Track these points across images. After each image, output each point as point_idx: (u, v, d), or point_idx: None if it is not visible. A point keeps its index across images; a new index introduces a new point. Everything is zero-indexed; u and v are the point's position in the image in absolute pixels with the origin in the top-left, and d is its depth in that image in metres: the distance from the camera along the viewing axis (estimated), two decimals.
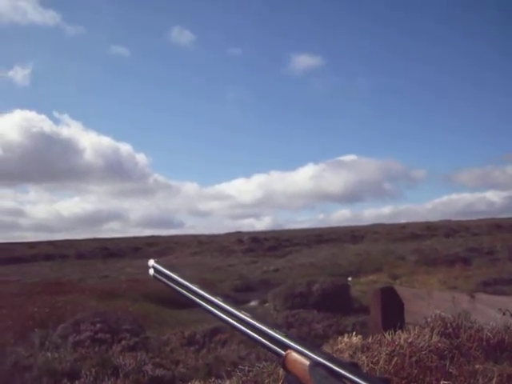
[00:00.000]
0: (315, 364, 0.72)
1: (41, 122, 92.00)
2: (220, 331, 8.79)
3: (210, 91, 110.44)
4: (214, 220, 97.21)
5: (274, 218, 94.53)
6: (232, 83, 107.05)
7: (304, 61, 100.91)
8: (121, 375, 5.38)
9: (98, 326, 8.98)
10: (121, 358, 6.07)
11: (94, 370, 5.45)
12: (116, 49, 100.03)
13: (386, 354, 1.56)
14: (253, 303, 15.39)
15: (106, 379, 5.21)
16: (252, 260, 28.12)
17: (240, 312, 0.91)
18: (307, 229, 54.34)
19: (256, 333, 0.87)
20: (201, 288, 1.02)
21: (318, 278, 14.59)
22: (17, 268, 28.35)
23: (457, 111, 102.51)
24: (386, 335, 1.83)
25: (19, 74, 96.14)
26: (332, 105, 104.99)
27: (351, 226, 50.92)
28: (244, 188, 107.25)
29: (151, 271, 1.15)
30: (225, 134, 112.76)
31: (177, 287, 1.07)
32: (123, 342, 8.32)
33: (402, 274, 19.07)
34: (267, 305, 14.11)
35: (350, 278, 18.62)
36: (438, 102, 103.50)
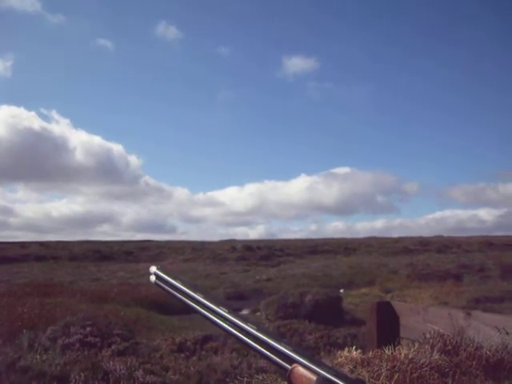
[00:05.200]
0: (323, 379, 0.72)
1: (29, 119, 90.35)
2: (212, 339, 8.73)
3: (199, 92, 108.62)
4: (206, 227, 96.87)
5: (267, 227, 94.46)
6: (222, 84, 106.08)
7: (297, 64, 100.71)
8: (111, 380, 5.33)
9: (88, 329, 8.89)
10: (111, 362, 6.01)
11: (83, 375, 5.39)
12: (100, 41, 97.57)
13: (387, 370, 1.57)
14: (245, 312, 15.32)
15: None
16: (244, 268, 28.03)
17: (245, 323, 0.90)
18: (300, 239, 54.37)
19: (261, 345, 0.85)
20: (204, 297, 1.00)
21: (311, 289, 14.56)
22: (7, 268, 28.08)
23: (450, 126, 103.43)
24: (386, 350, 1.83)
25: (1, 67, 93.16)
26: (325, 113, 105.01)
27: (345, 239, 51.02)
28: (237, 196, 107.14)
29: (152, 278, 1.13)
30: (215, 139, 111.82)
31: (179, 295, 1.05)
32: (113, 347, 8.23)
33: (394, 288, 19.09)
34: (259, 314, 14.04)
35: (342, 290, 18.61)
36: (433, 116, 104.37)
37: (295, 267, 27.55)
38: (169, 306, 13.80)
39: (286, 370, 0.79)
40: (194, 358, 7.65)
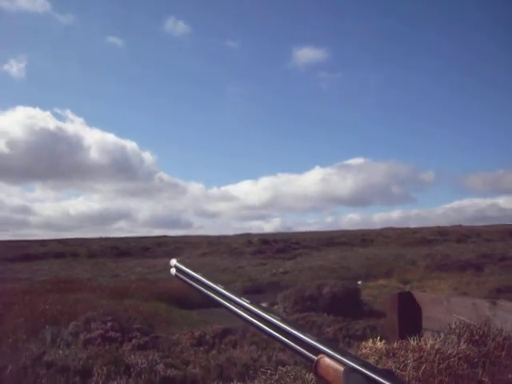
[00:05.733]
0: (350, 370, 0.70)
1: (44, 119, 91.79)
2: (231, 332, 8.78)
3: (210, 86, 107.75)
4: (221, 221, 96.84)
5: (282, 220, 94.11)
6: (233, 78, 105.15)
7: (307, 55, 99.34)
8: (133, 374, 5.40)
9: (109, 324, 9.02)
10: (132, 356, 6.09)
11: (106, 368, 5.47)
12: (110, 39, 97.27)
13: (414, 361, 1.54)
14: (262, 305, 15.33)
15: (119, 378, 5.23)
16: (261, 262, 28.08)
17: (268, 314, 0.89)
18: (317, 231, 54.11)
19: (285, 336, 0.84)
20: (225, 288, 0.99)
21: (328, 281, 14.52)
22: (28, 265, 28.66)
23: (467, 113, 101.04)
24: (411, 341, 1.80)
25: (14, 68, 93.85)
26: (337, 104, 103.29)
27: (361, 230, 50.60)
28: (251, 190, 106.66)
29: (173, 270, 1.13)
30: (228, 133, 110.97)
31: (200, 287, 1.05)
32: (134, 341, 8.35)
33: (413, 279, 18.91)
34: (276, 307, 14.05)
35: (359, 282, 18.50)
36: (449, 103, 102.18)
37: (312, 260, 27.49)
38: (187, 300, 13.91)
39: (311, 360, 0.77)
40: (214, 352, 7.71)
